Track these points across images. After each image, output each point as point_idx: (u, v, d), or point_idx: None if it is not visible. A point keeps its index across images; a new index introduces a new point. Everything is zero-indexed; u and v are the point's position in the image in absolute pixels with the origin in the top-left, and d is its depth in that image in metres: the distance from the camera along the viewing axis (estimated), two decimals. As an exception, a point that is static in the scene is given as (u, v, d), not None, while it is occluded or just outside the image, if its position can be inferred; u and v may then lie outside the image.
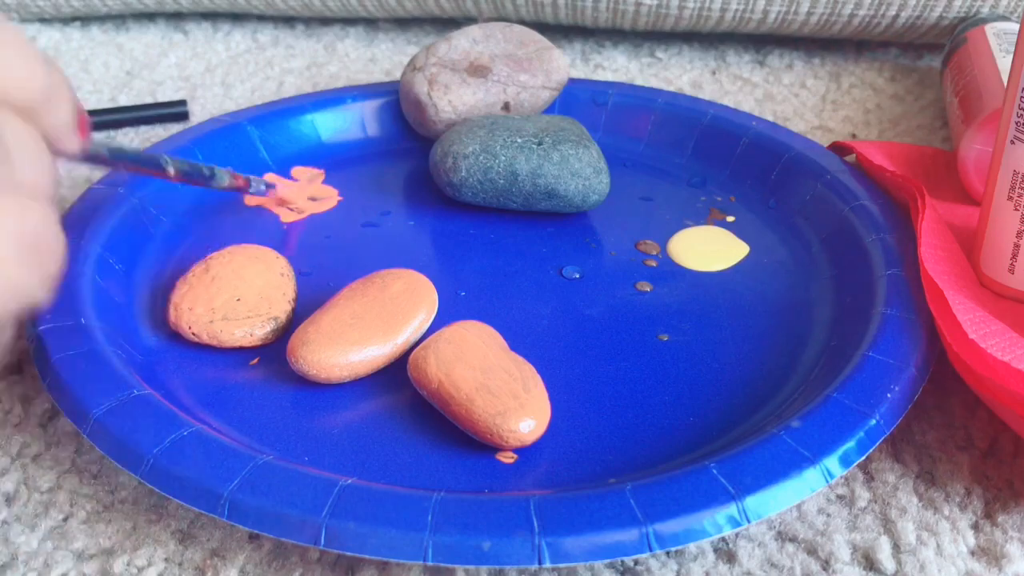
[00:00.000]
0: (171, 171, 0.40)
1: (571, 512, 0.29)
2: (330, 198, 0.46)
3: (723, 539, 0.31)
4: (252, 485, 0.29)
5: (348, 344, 0.35)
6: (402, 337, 0.36)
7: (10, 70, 0.26)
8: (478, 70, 0.48)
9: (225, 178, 0.42)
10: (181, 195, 0.45)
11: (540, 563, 0.28)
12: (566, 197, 0.44)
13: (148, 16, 0.68)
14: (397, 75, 0.60)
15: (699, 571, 0.30)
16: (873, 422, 0.32)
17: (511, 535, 0.28)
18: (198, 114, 0.56)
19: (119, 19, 0.68)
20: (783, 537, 0.31)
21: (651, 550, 0.28)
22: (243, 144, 0.47)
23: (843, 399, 0.33)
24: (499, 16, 0.62)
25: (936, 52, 0.62)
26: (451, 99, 0.47)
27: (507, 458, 0.33)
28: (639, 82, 0.59)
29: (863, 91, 0.58)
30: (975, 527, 0.32)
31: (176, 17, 0.68)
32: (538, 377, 0.34)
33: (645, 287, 0.41)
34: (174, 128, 0.54)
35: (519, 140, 0.44)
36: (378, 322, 0.36)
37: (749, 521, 0.29)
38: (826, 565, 0.30)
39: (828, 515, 0.32)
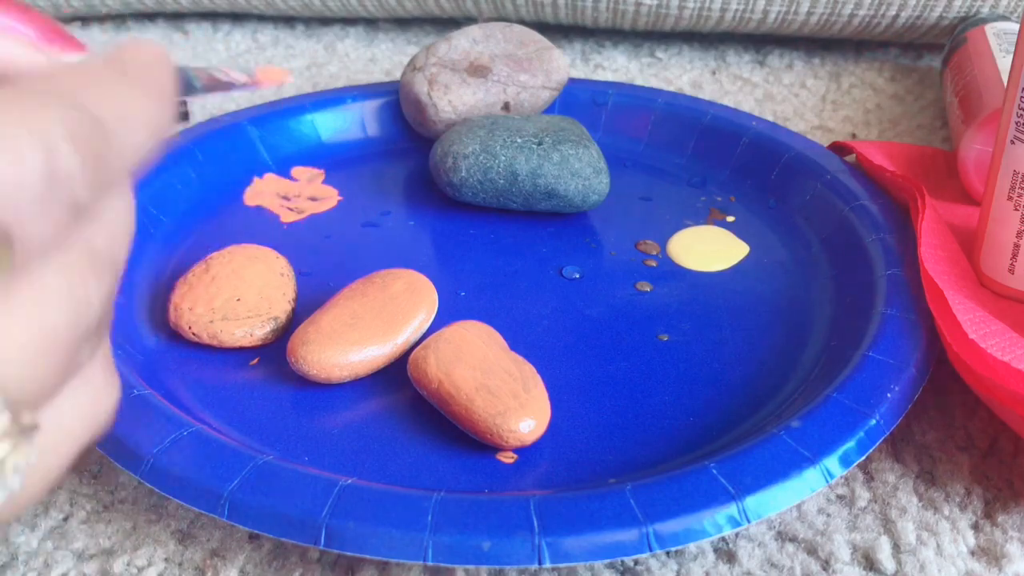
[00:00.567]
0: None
1: (571, 512, 0.29)
2: (330, 198, 0.46)
3: (723, 539, 0.31)
4: (252, 485, 0.29)
5: (348, 344, 0.35)
6: (402, 337, 0.36)
7: None
8: (478, 70, 0.48)
9: (200, 79, 0.41)
10: (181, 195, 0.45)
11: (540, 563, 0.28)
12: (566, 197, 0.44)
13: (148, 16, 0.68)
14: (397, 75, 0.60)
15: (699, 571, 0.30)
16: (873, 422, 0.32)
17: (511, 535, 0.28)
18: (198, 114, 0.56)
19: (119, 19, 0.68)
20: (783, 537, 0.31)
21: (651, 550, 0.28)
22: (243, 144, 0.47)
23: (843, 399, 0.33)
24: (499, 16, 0.62)
25: (936, 52, 0.62)
26: (451, 99, 0.47)
27: (507, 458, 0.33)
28: (639, 82, 0.59)
29: (863, 91, 0.58)
30: (975, 527, 0.32)
31: (176, 17, 0.68)
32: (538, 377, 0.34)
33: (645, 287, 0.41)
34: (174, 128, 0.54)
35: (519, 140, 0.44)
36: (378, 322, 0.36)
37: (749, 521, 0.29)
38: (826, 565, 0.30)
39: (828, 515, 0.32)
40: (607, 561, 0.30)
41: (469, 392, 0.33)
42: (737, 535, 0.31)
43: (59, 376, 0.19)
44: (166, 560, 0.30)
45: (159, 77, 0.23)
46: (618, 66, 0.61)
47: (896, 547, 0.31)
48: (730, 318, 0.39)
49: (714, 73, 0.60)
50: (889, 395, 0.33)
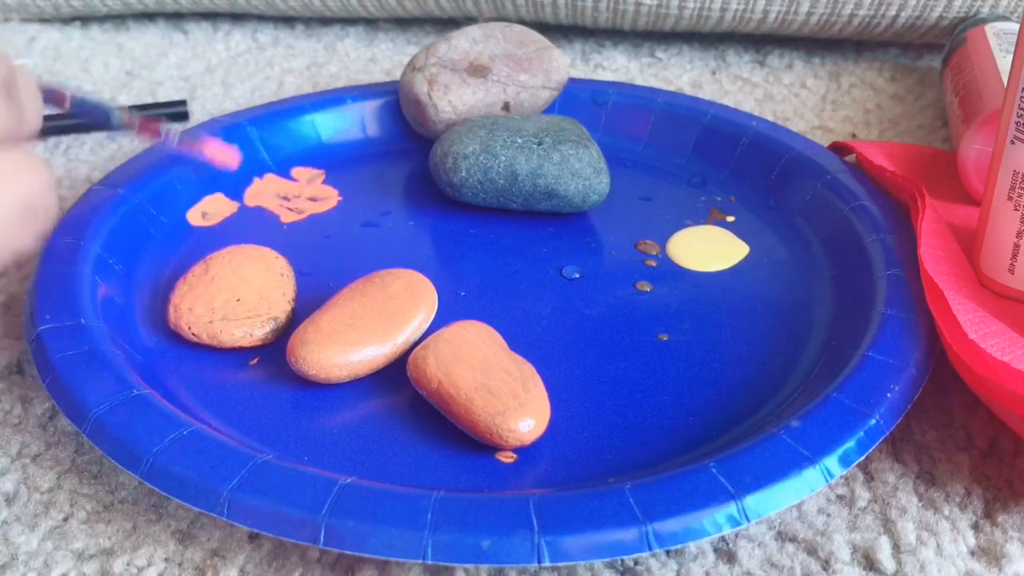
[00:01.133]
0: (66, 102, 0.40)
1: (570, 511, 0.29)
2: (330, 198, 0.46)
3: (723, 539, 0.31)
4: (252, 484, 0.29)
5: (348, 344, 0.35)
6: (402, 337, 0.36)
7: None
8: (478, 70, 0.48)
9: (121, 117, 0.41)
10: (181, 195, 0.45)
11: (539, 562, 0.28)
12: (566, 197, 0.44)
13: (148, 16, 0.68)
14: (397, 75, 0.60)
15: (699, 571, 0.30)
16: (873, 422, 0.32)
17: (510, 534, 0.28)
18: (198, 114, 0.56)
19: (119, 19, 0.68)
20: (783, 537, 0.31)
21: (650, 549, 0.28)
22: (243, 144, 0.47)
23: (843, 399, 0.33)
24: (499, 16, 0.63)
25: (936, 52, 0.62)
26: (451, 99, 0.47)
27: (507, 458, 0.33)
28: (639, 82, 0.59)
29: (863, 91, 0.58)
30: (975, 527, 0.32)
31: (176, 17, 0.68)
32: (538, 377, 0.34)
33: (645, 287, 0.41)
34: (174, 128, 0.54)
35: (519, 140, 0.44)
36: (378, 322, 0.36)
37: (749, 520, 0.29)
38: (826, 565, 0.30)
39: (828, 515, 0.32)
40: (607, 560, 0.30)
41: (469, 392, 0.33)
42: (737, 535, 0.31)
43: None
44: (166, 560, 0.30)
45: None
46: (618, 66, 0.61)
47: (896, 547, 0.31)
48: (730, 318, 0.39)
49: (714, 73, 0.60)
50: (889, 395, 0.33)
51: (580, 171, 0.44)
